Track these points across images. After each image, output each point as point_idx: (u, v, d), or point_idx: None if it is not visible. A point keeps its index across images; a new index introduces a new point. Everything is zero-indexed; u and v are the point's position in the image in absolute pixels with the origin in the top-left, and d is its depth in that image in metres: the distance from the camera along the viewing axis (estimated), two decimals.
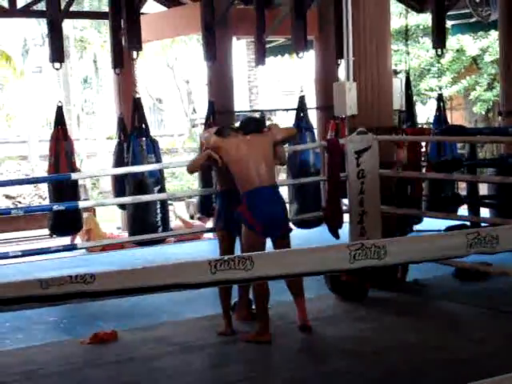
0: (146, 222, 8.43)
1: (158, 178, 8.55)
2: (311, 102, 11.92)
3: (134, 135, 8.84)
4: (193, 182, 22.19)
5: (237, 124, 6.67)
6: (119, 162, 9.72)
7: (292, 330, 6.18)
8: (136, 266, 2.55)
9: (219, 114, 10.44)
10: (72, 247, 8.76)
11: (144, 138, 8.71)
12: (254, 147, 6.00)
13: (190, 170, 6.54)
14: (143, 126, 8.93)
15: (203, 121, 11.76)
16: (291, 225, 7.23)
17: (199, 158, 6.49)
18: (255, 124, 6.33)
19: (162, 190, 8.68)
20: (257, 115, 9.90)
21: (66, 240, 11.78)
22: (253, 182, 5.92)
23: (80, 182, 9.25)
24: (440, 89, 12.68)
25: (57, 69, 8.77)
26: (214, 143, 6.09)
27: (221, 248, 6.25)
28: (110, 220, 15.22)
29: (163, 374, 5.33)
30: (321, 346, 5.88)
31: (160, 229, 8.46)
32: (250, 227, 5.93)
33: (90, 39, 27.13)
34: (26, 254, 7.60)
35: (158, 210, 8.47)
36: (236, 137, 6.12)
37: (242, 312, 6.45)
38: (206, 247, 11.08)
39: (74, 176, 8.06)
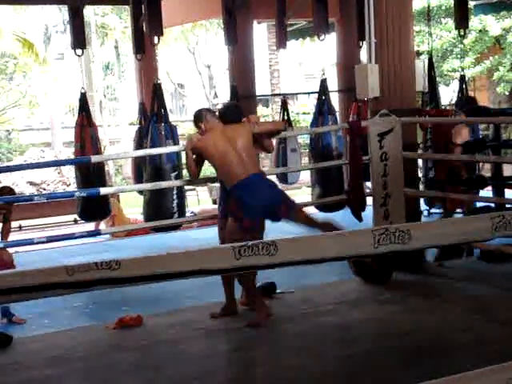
0: (161, 208, 8.44)
1: (175, 164, 8.55)
2: (333, 84, 11.87)
3: (152, 121, 8.86)
4: None
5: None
6: (139, 147, 9.76)
7: (315, 313, 6.19)
8: (160, 251, 2.56)
9: (241, 98, 10.43)
10: (96, 233, 8.83)
11: (163, 124, 8.72)
12: (232, 140, 5.93)
13: (193, 175, 6.34)
14: (162, 111, 8.93)
15: None
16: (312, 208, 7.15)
17: (186, 161, 6.27)
18: (235, 111, 6.28)
19: (179, 176, 8.68)
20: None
21: (90, 226, 11.85)
22: (237, 175, 5.87)
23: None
24: (462, 70, 12.52)
25: (79, 55, 8.79)
26: (193, 146, 6.09)
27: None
28: (134, 205, 15.26)
29: (188, 358, 5.36)
30: (345, 329, 5.87)
31: (176, 215, 8.47)
32: (236, 220, 5.90)
33: (111, 25, 27.15)
34: (50, 239, 7.64)
35: (175, 196, 8.47)
36: (214, 127, 6.08)
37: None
38: None
39: (93, 159, 8.08)
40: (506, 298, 6.44)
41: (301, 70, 32.52)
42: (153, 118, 8.91)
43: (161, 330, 6.02)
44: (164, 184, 8.10)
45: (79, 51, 8.72)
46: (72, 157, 9.60)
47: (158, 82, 9.26)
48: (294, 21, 13.46)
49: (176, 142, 8.74)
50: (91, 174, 8.61)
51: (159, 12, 8.88)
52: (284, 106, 11.34)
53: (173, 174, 8.43)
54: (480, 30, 18.98)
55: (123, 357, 5.49)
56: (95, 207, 8.85)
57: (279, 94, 19.06)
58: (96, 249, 9.88)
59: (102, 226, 11.91)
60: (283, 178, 11.10)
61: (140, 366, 5.29)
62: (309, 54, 28.07)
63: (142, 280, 2.39)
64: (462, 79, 10.30)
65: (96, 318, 6.56)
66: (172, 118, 9.16)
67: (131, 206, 15.10)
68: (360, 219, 7.37)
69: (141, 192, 10.08)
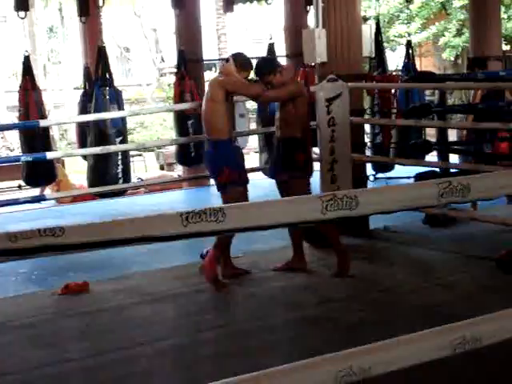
0: (106, 174, 8.35)
1: (120, 129, 8.45)
2: (280, 49, 11.82)
3: (97, 85, 8.73)
4: (162, 132, 22.03)
5: None
6: (84, 112, 9.62)
7: (263, 277, 6.22)
8: (106, 217, 2.52)
9: (188, 62, 10.33)
10: (41, 199, 8.71)
11: (107, 88, 8.60)
12: (205, 96, 6.18)
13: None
14: (107, 75, 8.80)
15: (171, 70, 11.64)
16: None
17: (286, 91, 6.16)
18: (263, 64, 6.36)
19: (124, 141, 8.59)
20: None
21: (35, 191, 11.69)
22: None
23: None
24: (409, 35, 12.61)
25: (22, 18, 8.61)
26: None
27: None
28: (79, 171, 15.09)
29: (135, 324, 5.35)
30: (293, 294, 5.91)
31: (121, 180, 8.40)
32: None
33: None
34: None
35: (119, 162, 8.39)
36: None
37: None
38: (179, 197, 11.07)
39: (42, 123, 7.97)
40: (450, 261, 6.55)
41: (248, 34, 32.31)
42: (97, 81, 8.78)
43: (107, 296, 5.99)
44: (113, 148, 8.00)
45: (22, 13, 8.55)
46: (16, 121, 9.43)
47: (103, 45, 9.11)
48: None
49: (121, 107, 8.63)
50: (36, 138, 8.47)
51: None
52: None
53: (118, 139, 8.34)
54: None
55: (70, 323, 5.45)
56: (41, 172, 8.73)
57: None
58: (41, 215, 9.75)
59: (47, 191, 11.75)
60: None
61: (87, 332, 5.26)
62: (256, 18, 27.90)
63: (87, 247, 2.36)
64: (409, 44, 10.35)
65: (42, 285, 6.49)
66: (117, 82, 9.04)
67: (76, 171, 14.93)
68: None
69: (85, 157, 9.97)
